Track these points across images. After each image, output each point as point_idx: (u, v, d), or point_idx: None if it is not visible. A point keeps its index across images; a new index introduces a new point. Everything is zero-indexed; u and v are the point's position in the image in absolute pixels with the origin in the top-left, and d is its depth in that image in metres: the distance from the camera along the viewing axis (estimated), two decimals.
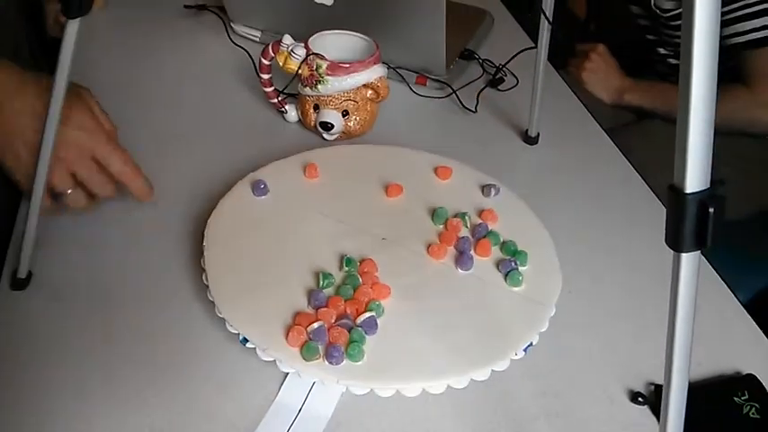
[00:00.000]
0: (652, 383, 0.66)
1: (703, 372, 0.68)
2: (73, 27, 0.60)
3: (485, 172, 0.82)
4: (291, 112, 0.95)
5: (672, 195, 0.41)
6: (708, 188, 0.40)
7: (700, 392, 0.64)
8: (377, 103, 0.93)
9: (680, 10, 1.24)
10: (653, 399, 0.65)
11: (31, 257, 0.71)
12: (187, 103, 1.00)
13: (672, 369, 0.45)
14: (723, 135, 0.40)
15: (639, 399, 0.65)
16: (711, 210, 0.39)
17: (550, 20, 0.83)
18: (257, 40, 1.11)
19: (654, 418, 0.64)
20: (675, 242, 0.41)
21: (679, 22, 1.26)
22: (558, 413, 0.64)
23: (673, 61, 1.40)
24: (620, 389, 0.66)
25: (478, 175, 0.82)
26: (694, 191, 0.40)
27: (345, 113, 0.91)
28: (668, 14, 1.28)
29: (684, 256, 0.42)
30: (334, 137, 0.92)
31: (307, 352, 0.61)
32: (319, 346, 0.61)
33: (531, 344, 0.65)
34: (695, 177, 0.39)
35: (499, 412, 0.63)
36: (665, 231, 0.42)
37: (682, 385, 0.45)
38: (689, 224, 0.40)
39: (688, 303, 0.43)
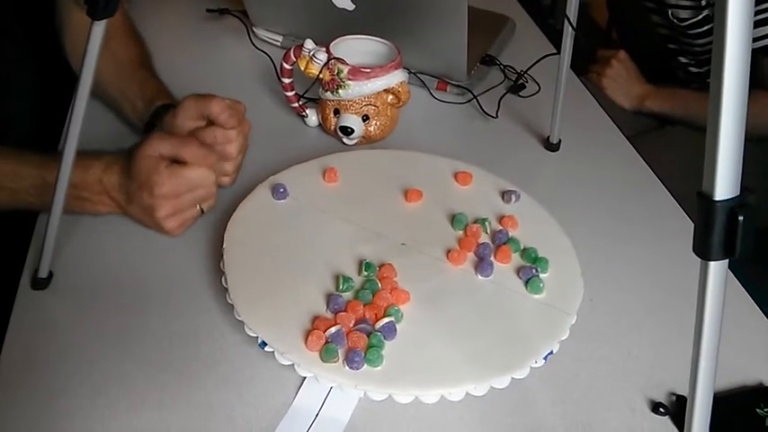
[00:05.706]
0: (673, 394, 0.65)
1: (725, 383, 0.67)
2: (98, 29, 0.60)
3: (505, 178, 0.82)
4: (312, 117, 0.95)
5: (701, 202, 0.40)
6: (738, 195, 0.39)
7: (722, 404, 0.62)
8: (397, 108, 0.93)
9: (696, 19, 1.24)
10: (674, 409, 0.64)
11: (52, 258, 0.72)
12: None
13: (697, 380, 0.44)
14: (747, 141, 0.39)
15: (660, 409, 0.64)
16: (741, 218, 0.39)
17: (574, 26, 0.82)
18: (279, 44, 1.12)
19: (675, 429, 0.63)
20: (703, 250, 0.41)
21: (696, 31, 1.27)
22: (578, 422, 0.63)
23: (693, 69, 1.39)
24: (640, 399, 0.65)
25: (499, 182, 0.81)
26: (724, 198, 0.39)
27: (366, 118, 0.91)
28: (685, 23, 1.27)
29: (712, 264, 0.41)
30: (354, 141, 0.92)
31: (326, 353, 0.60)
32: (338, 350, 0.61)
33: (551, 352, 0.64)
34: (725, 184, 0.39)
35: (518, 420, 0.63)
36: (692, 239, 0.41)
37: (707, 396, 0.45)
38: (718, 232, 0.39)
39: (715, 313, 0.42)
